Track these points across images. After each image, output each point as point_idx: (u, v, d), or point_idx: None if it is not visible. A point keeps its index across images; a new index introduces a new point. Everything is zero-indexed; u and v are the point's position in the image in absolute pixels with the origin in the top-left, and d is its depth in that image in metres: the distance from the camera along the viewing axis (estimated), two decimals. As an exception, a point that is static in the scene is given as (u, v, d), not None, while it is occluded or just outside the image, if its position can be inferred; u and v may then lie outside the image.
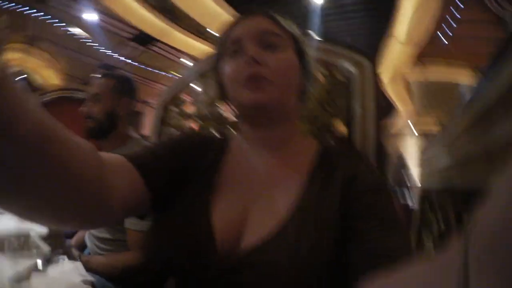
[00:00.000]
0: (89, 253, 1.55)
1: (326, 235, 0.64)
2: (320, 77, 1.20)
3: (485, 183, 1.13)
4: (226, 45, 0.81)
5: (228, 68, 0.78)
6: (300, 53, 0.82)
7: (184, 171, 0.80)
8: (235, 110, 0.87)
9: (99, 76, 1.64)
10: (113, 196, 0.60)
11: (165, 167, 0.77)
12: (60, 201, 0.51)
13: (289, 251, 0.62)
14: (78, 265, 1.00)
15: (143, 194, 0.69)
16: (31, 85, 9.04)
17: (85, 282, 0.95)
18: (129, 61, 8.26)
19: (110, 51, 7.81)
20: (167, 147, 0.83)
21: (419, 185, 2.87)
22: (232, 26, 0.82)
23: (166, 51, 7.83)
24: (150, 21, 6.32)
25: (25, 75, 8.85)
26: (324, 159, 0.79)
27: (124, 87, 1.64)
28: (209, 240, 0.67)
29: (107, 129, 1.57)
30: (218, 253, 0.66)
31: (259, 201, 0.73)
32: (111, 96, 1.59)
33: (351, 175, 0.72)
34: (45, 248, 1.07)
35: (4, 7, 6.14)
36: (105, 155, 0.64)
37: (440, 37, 6.53)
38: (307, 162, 0.78)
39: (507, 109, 1.01)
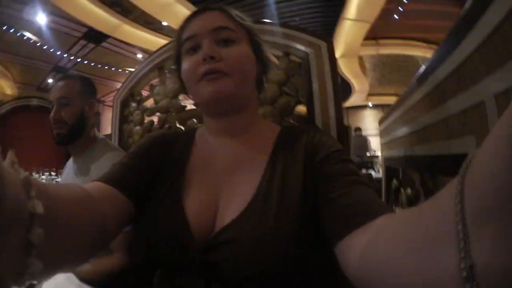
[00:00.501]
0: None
1: (290, 210, 0.67)
2: (275, 59, 1.22)
3: (445, 147, 1.18)
4: (182, 41, 0.84)
5: (186, 65, 0.82)
6: (254, 44, 0.86)
7: (156, 170, 0.84)
8: (197, 103, 0.91)
9: (61, 79, 1.57)
10: (108, 224, 0.64)
11: (140, 176, 0.80)
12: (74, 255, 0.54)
13: (253, 228, 0.65)
14: (71, 276, 0.99)
15: (128, 207, 0.74)
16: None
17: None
18: (80, 60, 7.98)
19: (61, 52, 7.50)
20: (135, 157, 0.85)
21: (380, 154, 2.95)
22: (188, 22, 0.85)
23: (118, 47, 7.60)
24: (99, 17, 6.13)
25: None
26: (285, 139, 0.82)
27: (88, 88, 1.59)
28: (184, 226, 0.70)
29: (78, 132, 1.51)
30: (194, 236, 0.69)
31: (228, 185, 0.76)
32: (79, 98, 1.53)
33: (311, 148, 0.76)
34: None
35: None
36: (88, 187, 0.67)
37: (391, 13, 6.66)
38: (269, 144, 0.82)
39: (461, 81, 1.07)
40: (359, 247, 0.51)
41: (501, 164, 0.24)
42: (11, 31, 6.50)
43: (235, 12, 0.85)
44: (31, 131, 9.26)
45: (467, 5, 1.06)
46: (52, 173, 7.26)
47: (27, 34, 6.73)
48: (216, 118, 0.86)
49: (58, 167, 8.00)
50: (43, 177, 6.66)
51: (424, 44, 8.01)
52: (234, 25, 0.82)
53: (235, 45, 0.80)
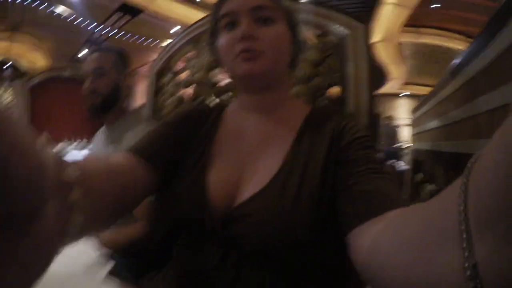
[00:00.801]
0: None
1: (309, 191, 0.69)
2: (313, 38, 1.21)
3: (471, 146, 1.15)
4: (220, 17, 0.84)
5: (223, 40, 0.84)
6: (291, 24, 0.87)
7: (185, 143, 0.87)
8: (231, 78, 0.93)
9: (96, 51, 1.61)
10: (128, 193, 0.68)
11: (168, 146, 0.84)
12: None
13: (272, 203, 0.68)
14: (91, 242, 1.02)
15: (153, 176, 0.77)
16: (18, 71, 8.88)
17: (102, 257, 0.98)
18: (115, 32, 8.08)
19: (95, 24, 7.61)
20: (166, 127, 0.89)
21: (410, 145, 2.90)
22: None
23: (154, 18, 7.64)
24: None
25: (11, 62, 8.70)
26: (314, 119, 0.84)
27: (123, 60, 1.62)
28: (205, 196, 0.74)
29: (111, 103, 1.55)
30: (215, 207, 0.72)
31: (253, 161, 0.79)
32: (114, 69, 1.56)
33: (337, 132, 0.77)
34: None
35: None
36: (114, 158, 0.74)
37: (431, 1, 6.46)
38: (298, 123, 0.84)
39: (492, 78, 1.03)
40: (369, 238, 0.52)
41: (504, 163, 0.24)
42: (44, 6, 6.59)
43: None
44: (63, 101, 9.57)
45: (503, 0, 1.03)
46: (84, 141, 7.51)
47: (60, 8, 6.82)
48: (249, 94, 0.88)
49: (90, 136, 8.28)
50: (75, 143, 6.90)
51: (464, 37, 7.73)
52: (272, 4, 0.83)
53: (273, 25, 0.82)
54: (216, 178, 0.77)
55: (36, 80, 9.55)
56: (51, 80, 9.81)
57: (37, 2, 6.50)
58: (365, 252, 0.52)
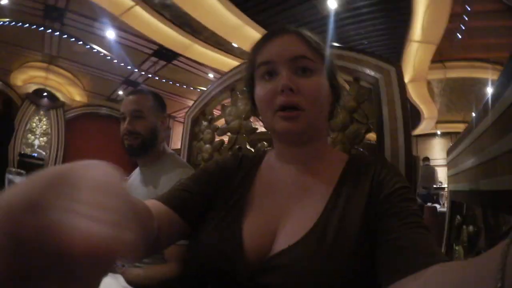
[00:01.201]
0: (122, 265, 1.59)
1: (346, 245, 0.67)
2: (345, 85, 1.22)
3: (509, 183, 1.12)
4: (258, 64, 0.83)
5: (261, 90, 0.82)
6: (330, 73, 0.85)
7: (216, 192, 0.87)
8: (268, 130, 0.91)
9: (132, 93, 1.66)
10: (161, 235, 0.71)
11: (199, 201, 0.84)
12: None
13: (308, 254, 0.66)
14: (119, 277, 1.03)
15: (183, 226, 0.79)
16: (55, 102, 9.26)
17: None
18: (151, 75, 8.35)
19: (132, 67, 7.90)
20: (198, 180, 0.89)
21: (447, 186, 2.83)
22: (264, 44, 0.84)
23: (189, 65, 7.84)
24: (169, 36, 6.38)
25: (48, 92, 9.09)
26: (352, 170, 0.82)
27: (160, 104, 1.67)
28: (238, 247, 0.73)
29: (149, 145, 1.58)
30: (247, 258, 0.71)
31: (289, 213, 0.77)
32: (152, 112, 1.60)
33: (377, 183, 0.75)
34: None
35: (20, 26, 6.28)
36: (148, 203, 0.74)
37: (455, 32, 6.45)
38: (336, 174, 0.82)
39: None
40: None
41: None
42: (79, 43, 6.88)
43: (312, 38, 0.84)
44: (98, 137, 9.85)
45: None
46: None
47: (96, 47, 7.10)
48: (286, 146, 0.87)
49: (124, 174, 8.41)
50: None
51: (489, 65, 7.61)
52: (312, 53, 0.81)
53: (313, 76, 0.80)
54: (251, 229, 0.76)
55: (72, 114, 9.89)
56: (87, 115, 10.16)
57: (73, 39, 6.79)
58: None
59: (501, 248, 0.31)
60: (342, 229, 0.69)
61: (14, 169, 1.54)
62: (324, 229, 0.69)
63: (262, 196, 0.83)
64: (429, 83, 8.62)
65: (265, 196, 0.83)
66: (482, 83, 8.46)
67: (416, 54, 6.79)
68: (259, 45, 0.85)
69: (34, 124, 9.17)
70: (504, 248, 0.31)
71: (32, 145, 9.13)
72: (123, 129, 1.56)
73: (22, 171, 1.56)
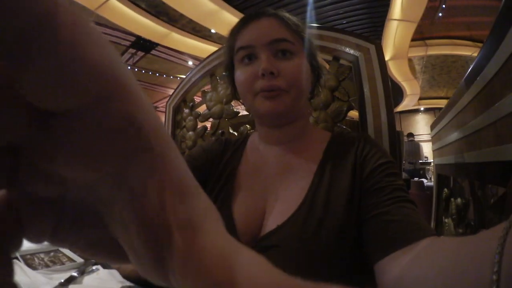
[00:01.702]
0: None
1: (333, 222, 0.68)
2: (325, 64, 1.21)
3: (495, 153, 1.13)
4: (237, 48, 0.82)
5: (241, 75, 0.81)
6: (310, 54, 0.84)
7: (204, 176, 0.89)
8: (250, 112, 0.91)
9: None
10: None
11: None
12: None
13: (296, 233, 0.67)
14: (114, 272, 1.01)
15: None
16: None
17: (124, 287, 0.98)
18: (130, 67, 8.25)
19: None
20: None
21: (433, 160, 2.86)
22: (242, 28, 0.83)
23: (167, 54, 7.78)
24: (147, 26, 6.31)
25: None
26: (335, 147, 0.82)
27: None
28: (231, 229, 0.73)
29: None
30: (240, 240, 0.70)
31: (275, 192, 0.78)
32: None
33: (360, 161, 0.75)
34: (78, 259, 1.09)
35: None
36: None
37: (436, 11, 6.50)
38: (319, 152, 0.82)
39: (507, 80, 1.02)
40: (398, 268, 0.53)
41: None
42: None
43: (291, 19, 0.82)
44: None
45: None
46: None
47: None
48: (269, 128, 0.86)
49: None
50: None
51: (470, 43, 7.71)
52: (291, 35, 0.79)
53: (293, 59, 0.79)
54: (240, 210, 0.77)
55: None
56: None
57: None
58: (394, 280, 0.52)
59: (500, 231, 0.31)
60: (328, 206, 0.70)
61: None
62: (311, 207, 0.70)
63: (248, 178, 0.84)
64: (410, 60, 8.70)
65: (251, 177, 0.84)
66: (464, 59, 8.58)
67: (396, 33, 6.82)
68: (238, 29, 0.83)
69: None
70: (503, 232, 0.30)
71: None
72: None
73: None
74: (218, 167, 0.89)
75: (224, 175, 0.86)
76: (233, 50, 0.84)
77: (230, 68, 0.88)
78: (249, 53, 0.80)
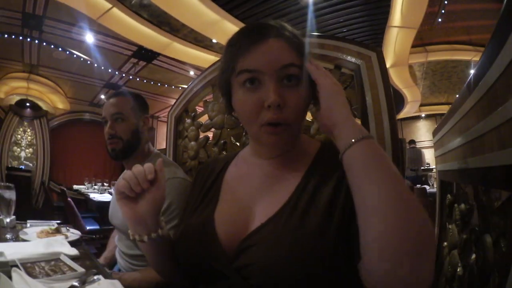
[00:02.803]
0: (119, 270, 1.58)
1: (315, 217, 0.69)
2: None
3: (497, 158, 1.13)
4: (239, 70, 0.78)
5: (244, 102, 0.78)
6: (310, 75, 0.79)
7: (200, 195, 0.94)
8: (250, 135, 0.93)
9: (112, 96, 1.64)
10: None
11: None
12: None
13: (278, 231, 0.69)
14: (116, 282, 1.01)
15: None
16: (38, 111, 9.14)
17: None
18: (132, 77, 8.27)
19: (112, 70, 7.81)
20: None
21: (435, 167, 2.85)
22: (246, 48, 0.77)
23: (169, 64, 7.78)
24: (148, 36, 6.32)
25: (30, 102, 8.97)
26: (323, 156, 0.84)
27: (141, 104, 1.65)
28: (213, 237, 0.77)
29: (133, 147, 1.57)
30: (222, 246, 0.75)
31: (260, 199, 0.80)
32: (133, 114, 1.59)
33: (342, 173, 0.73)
34: (79, 269, 1.08)
35: None
36: None
37: (435, 16, 6.51)
38: (307, 161, 0.83)
39: (510, 84, 1.02)
40: None
41: None
42: (59, 49, 6.79)
43: (296, 38, 0.80)
44: (84, 143, 9.82)
45: (505, 2, 1.03)
46: (105, 184, 7.60)
47: (76, 53, 7.01)
48: (263, 148, 0.88)
49: (111, 179, 8.35)
50: (95, 187, 6.98)
51: (470, 47, 7.70)
52: (297, 58, 0.77)
53: (298, 86, 0.76)
54: (224, 218, 0.80)
55: (56, 122, 9.82)
56: (71, 122, 10.10)
57: (52, 46, 6.68)
58: (377, 278, 0.57)
59: None
60: (310, 207, 0.72)
61: (2, 184, 1.51)
62: (293, 208, 0.72)
63: (233, 189, 0.88)
64: (411, 67, 8.69)
65: (237, 189, 0.87)
66: (464, 64, 8.56)
67: (396, 40, 6.82)
68: (240, 47, 0.78)
69: (19, 136, 9.03)
70: None
71: (18, 158, 8.99)
72: (105, 133, 1.56)
73: (10, 184, 1.54)
74: (207, 182, 0.94)
75: (211, 187, 0.91)
76: (233, 69, 0.79)
77: (226, 87, 0.85)
78: (253, 77, 0.76)
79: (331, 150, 0.80)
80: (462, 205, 1.74)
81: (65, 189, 4.85)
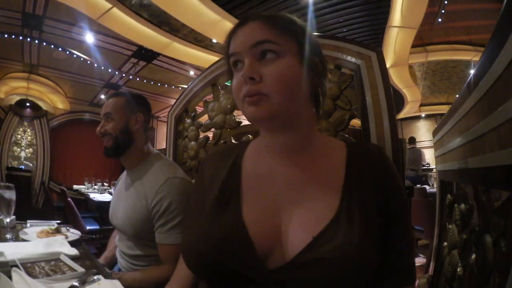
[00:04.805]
0: (119, 270, 1.58)
1: (371, 228, 0.70)
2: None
3: (496, 158, 1.13)
4: (229, 56, 0.82)
5: (233, 82, 0.81)
6: (304, 53, 0.79)
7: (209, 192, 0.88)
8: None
9: (110, 97, 1.66)
10: None
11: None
12: None
13: (339, 249, 0.66)
14: (116, 282, 1.01)
15: None
16: (38, 111, 9.13)
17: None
18: (132, 77, 8.26)
19: (112, 70, 7.81)
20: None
21: (435, 167, 2.85)
22: (231, 36, 0.82)
23: (169, 64, 7.78)
24: (148, 36, 6.31)
25: (30, 102, 8.96)
26: (356, 161, 0.82)
27: (134, 104, 1.65)
28: (248, 245, 0.72)
29: (124, 144, 1.58)
30: (259, 257, 0.71)
31: (294, 202, 0.77)
32: (122, 113, 1.60)
33: (382, 185, 0.78)
34: (79, 269, 1.08)
35: None
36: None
37: (435, 16, 6.51)
38: (338, 164, 0.81)
39: (510, 84, 1.02)
40: None
41: None
42: (59, 49, 6.78)
43: (280, 18, 0.80)
44: (84, 143, 9.82)
45: (505, 2, 1.03)
46: (105, 184, 7.60)
47: (76, 53, 6.99)
48: (270, 133, 0.85)
49: (111, 179, 8.35)
50: (96, 187, 6.99)
51: (470, 47, 7.70)
52: (276, 36, 0.76)
53: (277, 61, 0.76)
54: (254, 225, 0.75)
55: (56, 122, 9.82)
56: (71, 122, 10.09)
57: (52, 46, 6.68)
58: None
59: None
60: (364, 217, 0.71)
61: (2, 184, 1.52)
62: (349, 219, 0.70)
63: (256, 187, 0.83)
64: (410, 67, 8.69)
65: (260, 186, 0.83)
66: (464, 64, 8.57)
67: (396, 40, 6.82)
68: (229, 37, 0.84)
69: (19, 136, 9.02)
70: None
71: (18, 158, 8.99)
72: (96, 132, 1.59)
73: (11, 184, 1.54)
74: (217, 177, 0.89)
75: (226, 184, 0.85)
76: (228, 57, 0.83)
77: (230, 76, 0.87)
78: (237, 59, 0.79)
79: (360, 151, 0.84)
80: (462, 205, 1.74)
81: (65, 189, 4.85)
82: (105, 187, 7.21)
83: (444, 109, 10.87)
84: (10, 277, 0.91)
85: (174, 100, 1.82)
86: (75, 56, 7.03)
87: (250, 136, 1.38)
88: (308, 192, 0.78)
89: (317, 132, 0.88)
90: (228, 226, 0.76)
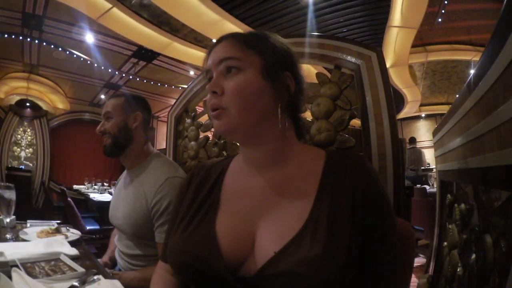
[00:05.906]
0: (119, 270, 1.59)
1: (339, 243, 0.69)
2: (326, 72, 1.22)
3: (497, 158, 1.13)
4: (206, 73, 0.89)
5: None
6: (268, 68, 0.82)
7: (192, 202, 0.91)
8: None
9: (110, 98, 1.67)
10: None
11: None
12: None
13: (305, 259, 0.66)
14: (116, 282, 1.01)
15: None
16: (38, 111, 9.13)
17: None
18: (131, 77, 8.25)
19: (112, 70, 7.80)
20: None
21: (435, 167, 2.85)
22: (208, 53, 0.89)
23: (169, 64, 7.77)
24: (148, 36, 6.31)
25: (30, 102, 8.96)
26: (332, 172, 0.81)
27: (133, 103, 1.66)
28: (216, 251, 0.75)
29: (123, 143, 1.59)
30: (226, 263, 0.73)
31: (267, 215, 0.78)
32: (121, 111, 1.61)
33: (361, 199, 0.75)
34: (79, 269, 1.09)
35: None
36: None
37: (435, 16, 6.51)
38: (314, 177, 0.81)
39: (510, 84, 1.02)
40: None
41: None
42: (59, 49, 6.78)
43: (251, 36, 0.86)
44: (84, 143, 9.82)
45: (505, 2, 1.03)
46: (105, 184, 7.60)
47: (76, 53, 6.99)
48: (245, 147, 0.89)
49: (111, 179, 8.35)
50: (96, 187, 6.99)
51: (470, 47, 7.70)
52: (239, 52, 0.82)
53: (237, 75, 0.80)
54: (226, 233, 0.78)
55: (56, 122, 9.82)
56: (71, 122, 10.09)
57: (52, 46, 6.67)
58: None
59: None
60: (332, 226, 0.70)
61: (2, 184, 1.52)
62: (315, 228, 0.71)
63: (233, 201, 0.85)
64: (410, 67, 8.69)
65: (237, 200, 0.85)
66: (464, 64, 8.57)
67: (396, 40, 6.82)
68: (207, 54, 0.90)
69: (19, 135, 9.02)
70: None
71: (18, 158, 8.98)
72: (96, 131, 1.61)
73: (10, 184, 1.55)
74: (200, 189, 0.92)
75: (208, 196, 0.88)
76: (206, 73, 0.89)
77: None
78: (210, 76, 0.86)
79: (338, 162, 0.82)
80: (462, 205, 1.74)
81: (65, 189, 4.85)
82: (105, 187, 7.21)
83: (444, 109, 10.88)
84: (10, 277, 0.91)
85: (174, 100, 1.82)
86: (75, 56, 7.03)
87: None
88: (281, 205, 0.79)
89: (294, 144, 0.89)
90: (201, 238, 0.79)
